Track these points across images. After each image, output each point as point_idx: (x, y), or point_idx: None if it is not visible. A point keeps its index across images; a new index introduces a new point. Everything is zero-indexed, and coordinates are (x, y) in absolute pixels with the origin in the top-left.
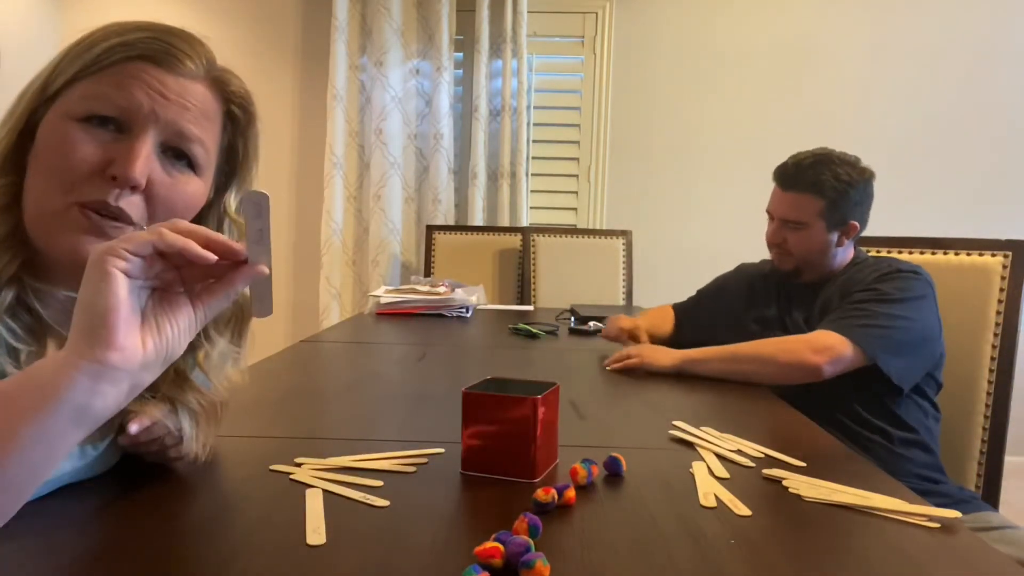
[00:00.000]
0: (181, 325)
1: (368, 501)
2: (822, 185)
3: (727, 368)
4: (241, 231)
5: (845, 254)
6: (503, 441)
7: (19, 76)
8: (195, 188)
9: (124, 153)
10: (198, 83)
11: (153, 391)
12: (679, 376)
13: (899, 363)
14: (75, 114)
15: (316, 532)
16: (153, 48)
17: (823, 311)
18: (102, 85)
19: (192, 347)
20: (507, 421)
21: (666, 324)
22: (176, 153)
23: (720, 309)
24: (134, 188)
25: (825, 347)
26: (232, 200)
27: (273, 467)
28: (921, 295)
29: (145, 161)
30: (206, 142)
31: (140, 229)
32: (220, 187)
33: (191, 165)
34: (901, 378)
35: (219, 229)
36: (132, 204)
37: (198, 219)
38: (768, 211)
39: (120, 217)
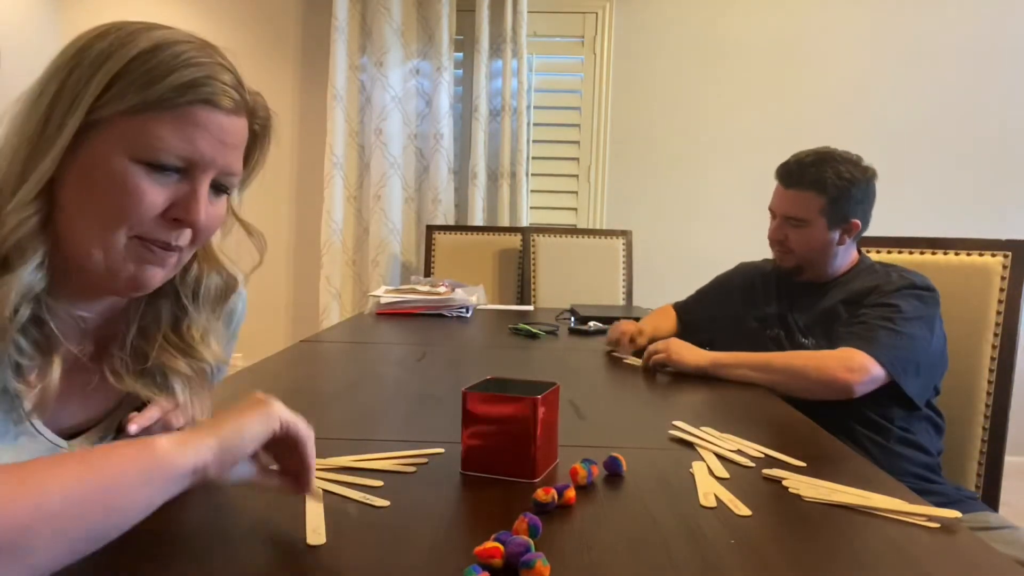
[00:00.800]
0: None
1: (368, 501)
2: (824, 182)
3: (757, 376)
4: (247, 230)
5: (847, 255)
6: (503, 441)
7: (19, 76)
8: (224, 207)
9: (187, 198)
10: (242, 118)
11: (144, 360)
12: (679, 376)
13: (918, 383)
14: (140, 158)
15: (316, 532)
16: (214, 92)
17: (828, 317)
18: (168, 132)
19: (177, 320)
20: (507, 421)
21: (668, 323)
22: (218, 184)
23: (720, 307)
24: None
25: (860, 367)
26: (235, 199)
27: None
28: (935, 314)
29: (205, 204)
30: (241, 171)
31: (185, 251)
32: None
33: (225, 189)
34: (919, 397)
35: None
36: (186, 236)
37: None
38: (770, 209)
39: (178, 250)
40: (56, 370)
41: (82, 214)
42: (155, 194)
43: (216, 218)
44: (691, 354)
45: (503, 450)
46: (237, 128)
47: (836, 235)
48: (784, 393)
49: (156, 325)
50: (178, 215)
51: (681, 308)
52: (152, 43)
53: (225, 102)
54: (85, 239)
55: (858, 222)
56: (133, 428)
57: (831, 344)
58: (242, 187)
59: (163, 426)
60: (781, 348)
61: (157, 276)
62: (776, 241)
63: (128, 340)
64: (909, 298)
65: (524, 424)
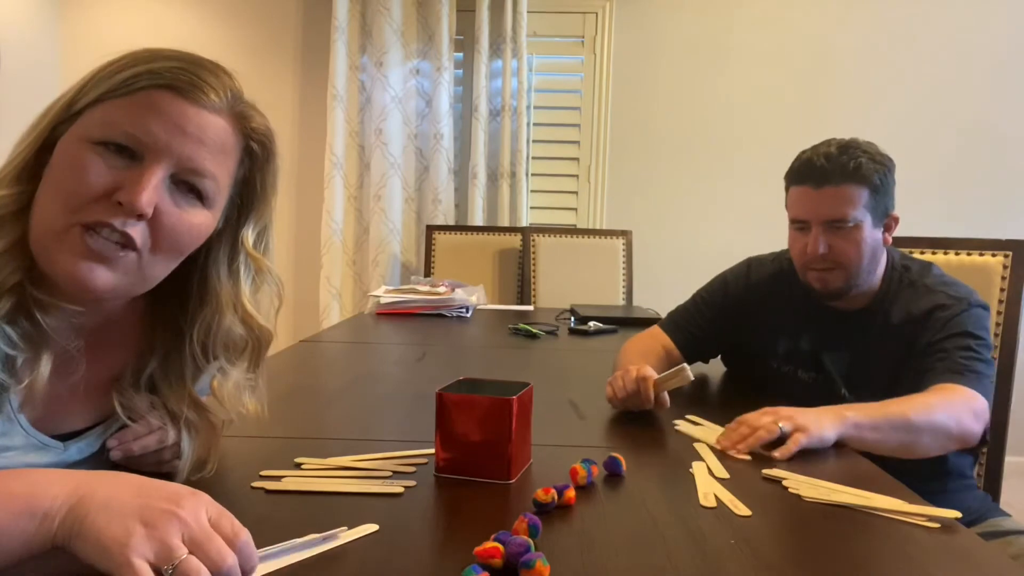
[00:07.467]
0: None
1: (385, 490)
2: (862, 170)
3: (901, 439)
4: (258, 266)
5: (879, 263)
6: (478, 443)
7: (19, 76)
8: (202, 220)
9: (133, 181)
10: (220, 117)
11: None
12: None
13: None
14: (91, 137)
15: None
16: (180, 78)
17: (876, 358)
18: (122, 112)
19: (198, 373)
20: (483, 422)
21: (653, 357)
22: (187, 185)
23: (728, 332)
24: (140, 217)
25: (982, 412)
26: (249, 235)
27: (263, 473)
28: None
29: (153, 191)
30: (219, 177)
31: (144, 254)
32: (232, 218)
33: (200, 197)
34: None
35: (232, 261)
36: (137, 231)
37: (207, 247)
38: (799, 219)
39: (127, 243)
40: (45, 366)
41: (39, 202)
42: (97, 171)
43: (184, 223)
44: (823, 423)
45: (478, 452)
46: (207, 123)
47: (880, 234)
48: (917, 455)
49: (180, 380)
50: (121, 198)
51: (677, 331)
52: (144, 50)
53: (192, 92)
54: (35, 226)
55: (897, 215)
56: (116, 455)
57: (878, 397)
58: (256, 218)
59: (159, 440)
60: (817, 397)
61: (101, 276)
62: (817, 258)
63: (144, 376)
64: (978, 319)
65: (500, 425)
